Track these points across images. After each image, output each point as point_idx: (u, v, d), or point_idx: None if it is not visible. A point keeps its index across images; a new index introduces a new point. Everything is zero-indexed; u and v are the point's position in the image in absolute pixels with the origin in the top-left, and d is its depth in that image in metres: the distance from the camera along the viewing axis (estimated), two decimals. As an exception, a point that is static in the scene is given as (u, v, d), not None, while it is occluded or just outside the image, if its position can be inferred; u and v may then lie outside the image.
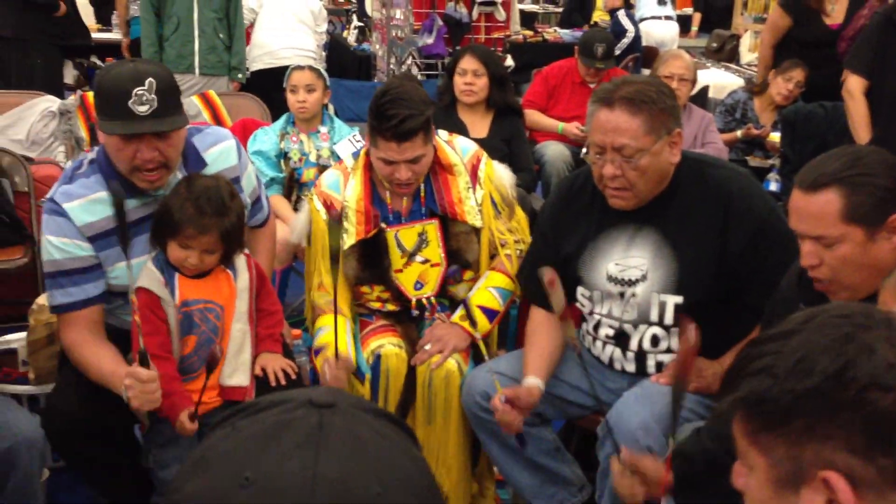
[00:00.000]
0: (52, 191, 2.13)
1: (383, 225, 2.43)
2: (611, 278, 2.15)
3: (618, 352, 2.20)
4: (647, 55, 6.89)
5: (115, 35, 7.11)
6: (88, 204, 2.10)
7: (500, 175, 2.55)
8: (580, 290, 2.22)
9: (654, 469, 1.76)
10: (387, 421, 0.66)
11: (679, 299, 2.07)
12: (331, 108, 3.66)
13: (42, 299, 2.52)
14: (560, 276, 2.21)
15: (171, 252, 2.07)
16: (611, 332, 2.19)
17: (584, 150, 4.24)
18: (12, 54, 5.22)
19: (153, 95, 1.95)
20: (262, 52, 5.37)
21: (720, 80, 5.83)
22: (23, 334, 2.60)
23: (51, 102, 4.07)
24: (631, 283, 2.12)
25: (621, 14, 7.09)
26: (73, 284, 2.09)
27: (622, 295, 2.14)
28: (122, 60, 2.09)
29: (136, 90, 1.94)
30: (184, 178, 2.09)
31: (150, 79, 1.96)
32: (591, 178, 2.14)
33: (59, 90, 5.20)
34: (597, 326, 2.22)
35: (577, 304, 2.25)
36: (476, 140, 2.75)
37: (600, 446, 2.07)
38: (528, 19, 8.97)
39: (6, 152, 3.31)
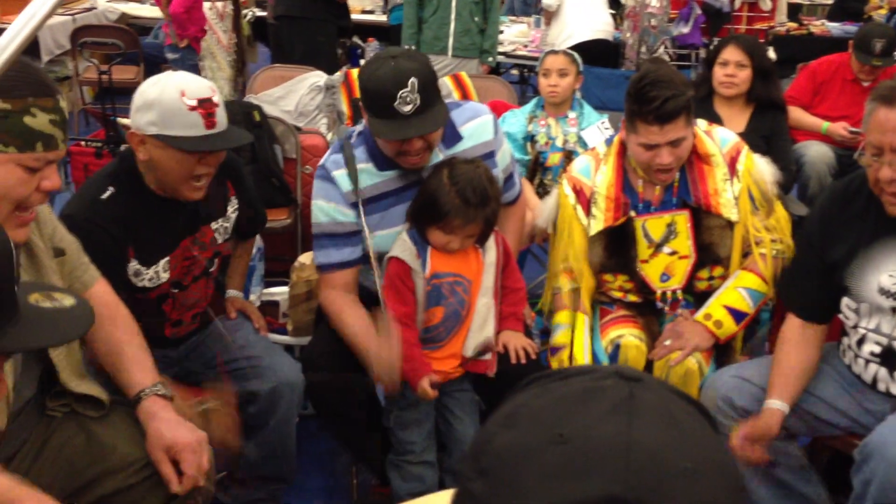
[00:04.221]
0: (324, 158, 2.29)
1: (632, 213, 2.38)
2: (883, 291, 1.97)
3: (883, 371, 2.02)
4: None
5: (376, 17, 7.52)
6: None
7: (761, 169, 2.42)
8: (845, 301, 2.06)
9: None
10: (690, 403, 0.64)
11: None
12: (577, 93, 3.63)
13: (304, 258, 2.71)
14: (825, 284, 2.07)
15: (433, 237, 2.14)
16: (877, 349, 2.01)
17: (857, 152, 3.92)
18: (298, 33, 5.67)
19: (416, 94, 2.03)
20: (571, 30, 5.54)
21: None
22: (285, 289, 2.82)
23: (318, 77, 4.37)
24: (908, 297, 1.93)
25: (912, 9, 6.41)
26: (334, 247, 2.24)
27: (894, 310, 1.96)
28: (382, 57, 2.13)
29: (400, 93, 2.03)
30: (444, 165, 2.14)
31: (413, 79, 2.03)
32: (868, 181, 1.97)
33: (336, 66, 5.57)
34: (861, 342, 2.05)
35: (841, 316, 2.08)
36: (732, 135, 2.62)
37: (856, 471, 1.92)
38: (792, 10, 8.41)
39: (280, 121, 3.58)
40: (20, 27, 1.02)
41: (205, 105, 1.96)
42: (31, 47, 6.18)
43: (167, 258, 2.10)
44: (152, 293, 2.11)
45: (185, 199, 2.06)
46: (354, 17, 7.00)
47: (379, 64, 2.10)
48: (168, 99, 1.94)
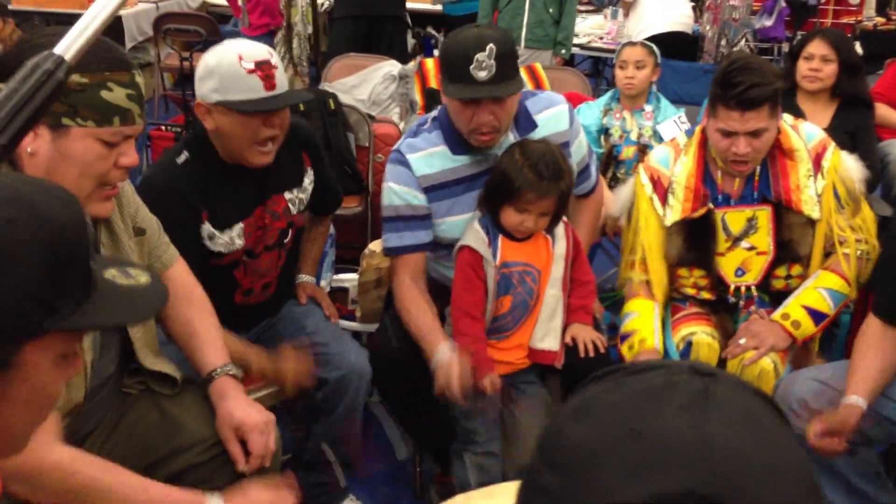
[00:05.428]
0: (398, 142, 2.30)
1: (711, 205, 2.32)
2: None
3: (972, 380, 1.93)
4: None
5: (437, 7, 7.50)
6: (427, 157, 2.24)
7: (848, 167, 2.34)
8: (931, 305, 1.97)
9: None
10: (764, 400, 0.62)
11: None
12: (654, 87, 3.56)
13: (374, 245, 2.73)
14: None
15: (507, 217, 2.13)
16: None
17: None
18: (377, 28, 5.69)
19: (492, 61, 2.03)
20: (648, 22, 5.45)
21: None
22: (354, 275, 2.84)
23: (392, 67, 4.38)
24: None
25: None
26: (407, 229, 2.25)
27: None
28: (468, 26, 2.18)
29: (477, 56, 2.03)
30: (516, 145, 2.15)
31: (491, 44, 2.03)
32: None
33: (408, 56, 5.59)
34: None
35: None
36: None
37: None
38: (880, 5, 8.11)
39: (354, 110, 3.61)
40: (97, 11, 1.03)
41: (263, 67, 1.99)
42: (116, 34, 6.33)
43: (241, 224, 2.13)
44: (226, 259, 2.15)
45: (253, 166, 2.08)
46: (425, 7, 7.00)
47: (463, 30, 2.14)
48: (227, 64, 1.97)
